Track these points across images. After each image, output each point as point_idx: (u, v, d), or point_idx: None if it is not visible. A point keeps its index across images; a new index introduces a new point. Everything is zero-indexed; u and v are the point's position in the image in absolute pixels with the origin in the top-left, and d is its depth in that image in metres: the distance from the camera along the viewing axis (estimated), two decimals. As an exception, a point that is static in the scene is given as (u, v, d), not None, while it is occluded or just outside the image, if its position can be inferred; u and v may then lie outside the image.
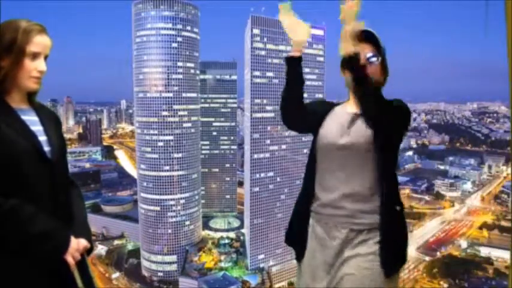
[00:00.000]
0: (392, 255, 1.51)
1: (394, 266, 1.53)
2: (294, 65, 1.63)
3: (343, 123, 1.61)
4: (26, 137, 1.27)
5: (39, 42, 1.28)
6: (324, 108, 1.72)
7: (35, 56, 1.28)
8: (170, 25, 71.58)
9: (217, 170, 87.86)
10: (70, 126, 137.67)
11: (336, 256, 1.55)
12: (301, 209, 1.70)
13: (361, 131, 1.54)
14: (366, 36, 1.54)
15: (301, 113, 1.67)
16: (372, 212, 1.53)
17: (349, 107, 1.65)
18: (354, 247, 1.52)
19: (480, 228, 76.22)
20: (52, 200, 1.32)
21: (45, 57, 1.33)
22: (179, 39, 72.16)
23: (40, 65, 1.30)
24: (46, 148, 1.33)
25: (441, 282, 61.84)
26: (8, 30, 1.25)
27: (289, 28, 1.61)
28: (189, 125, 74.02)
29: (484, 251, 66.43)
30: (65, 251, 1.28)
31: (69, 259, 1.28)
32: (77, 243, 1.32)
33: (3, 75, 1.25)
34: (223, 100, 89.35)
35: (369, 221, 1.53)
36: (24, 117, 1.31)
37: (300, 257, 1.72)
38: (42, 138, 1.34)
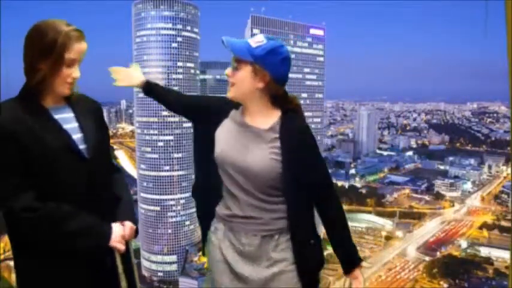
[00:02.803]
0: (307, 259, 1.43)
1: (310, 269, 1.45)
2: (146, 93, 1.87)
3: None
4: (59, 137, 1.26)
5: (77, 49, 1.28)
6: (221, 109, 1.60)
7: (71, 62, 1.28)
8: (170, 25, 71.65)
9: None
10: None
11: (254, 261, 1.43)
12: (209, 209, 1.55)
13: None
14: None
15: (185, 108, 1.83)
16: (282, 218, 1.42)
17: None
18: (269, 252, 1.43)
19: (480, 228, 76.24)
20: (91, 199, 1.30)
21: (79, 62, 1.34)
22: (179, 39, 72.22)
23: (75, 71, 1.30)
24: (81, 146, 1.31)
25: (441, 282, 61.83)
26: (49, 31, 1.23)
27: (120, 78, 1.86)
28: (189, 125, 71.87)
29: (484, 251, 66.40)
30: (106, 245, 1.29)
31: (118, 245, 1.31)
32: (123, 230, 1.34)
33: (41, 78, 1.24)
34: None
35: (281, 226, 1.43)
36: (58, 116, 1.30)
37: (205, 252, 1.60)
38: (77, 135, 1.32)
